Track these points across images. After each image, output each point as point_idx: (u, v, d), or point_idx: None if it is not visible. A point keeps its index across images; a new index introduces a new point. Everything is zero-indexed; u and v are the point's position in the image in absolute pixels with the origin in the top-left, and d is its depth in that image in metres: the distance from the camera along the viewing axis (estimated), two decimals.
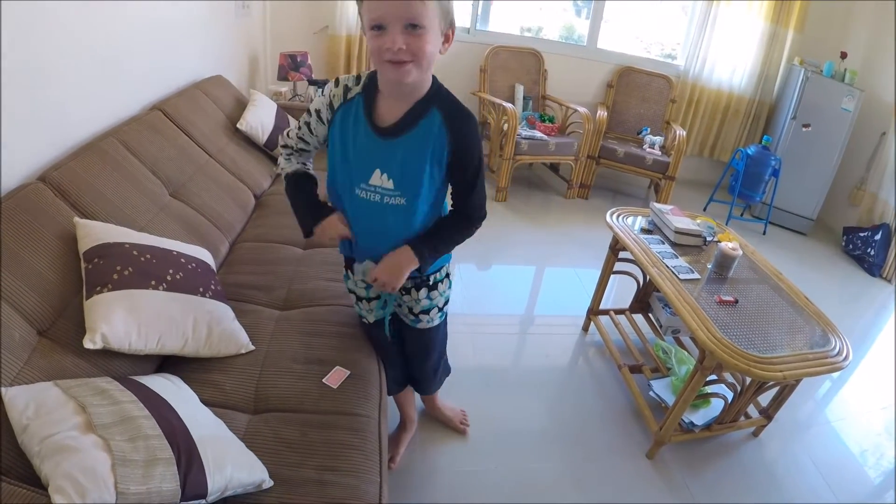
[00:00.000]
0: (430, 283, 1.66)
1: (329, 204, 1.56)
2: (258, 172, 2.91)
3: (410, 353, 1.90)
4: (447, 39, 1.28)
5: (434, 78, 1.37)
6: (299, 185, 1.57)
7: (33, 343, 1.38)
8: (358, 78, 1.40)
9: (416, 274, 1.56)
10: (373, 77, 1.37)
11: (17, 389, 1.21)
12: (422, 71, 1.27)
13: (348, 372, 1.69)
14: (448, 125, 1.35)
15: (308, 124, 1.48)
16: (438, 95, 1.36)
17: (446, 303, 1.76)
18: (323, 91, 1.43)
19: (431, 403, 2.24)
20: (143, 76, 2.50)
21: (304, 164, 1.60)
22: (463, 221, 1.53)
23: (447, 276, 1.71)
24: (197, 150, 2.56)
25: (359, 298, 1.77)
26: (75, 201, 1.74)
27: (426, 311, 1.72)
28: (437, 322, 1.77)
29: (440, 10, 1.21)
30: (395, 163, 1.37)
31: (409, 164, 1.37)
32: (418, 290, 1.66)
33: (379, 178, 1.39)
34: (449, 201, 1.57)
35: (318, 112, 1.44)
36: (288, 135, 1.56)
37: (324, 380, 1.64)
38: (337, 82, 1.41)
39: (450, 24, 1.26)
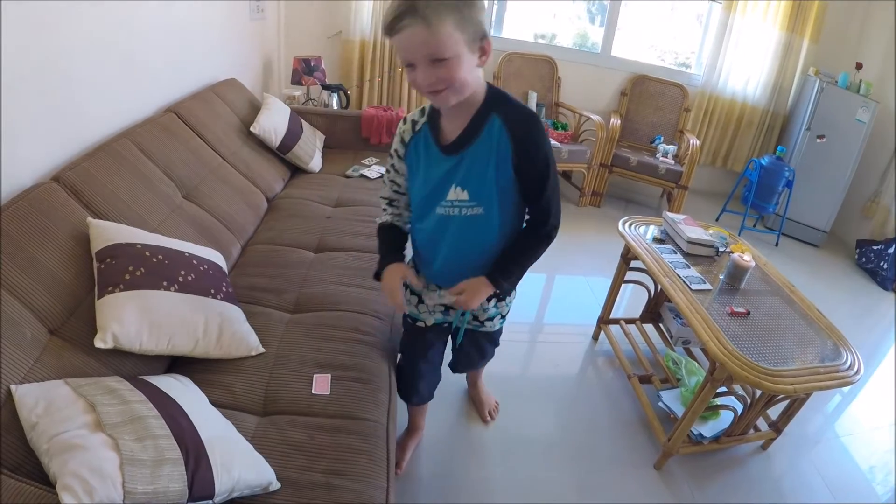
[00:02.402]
0: (501, 296, 1.74)
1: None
2: (270, 176, 2.93)
3: (468, 350, 1.97)
4: (483, 52, 1.28)
5: (489, 85, 1.40)
6: (383, 235, 1.65)
7: (44, 341, 1.39)
8: (423, 111, 1.48)
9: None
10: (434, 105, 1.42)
11: (28, 387, 1.22)
12: (460, 92, 1.29)
13: (329, 375, 1.68)
14: (508, 128, 1.36)
15: (393, 166, 1.56)
16: (496, 101, 1.38)
17: (507, 311, 1.85)
18: (395, 130, 1.50)
19: (474, 379, 2.37)
20: (157, 78, 2.52)
21: (400, 215, 1.65)
22: (534, 235, 1.53)
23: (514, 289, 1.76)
24: (210, 152, 2.58)
25: (422, 301, 1.76)
26: (88, 201, 1.76)
27: (491, 319, 1.81)
28: (498, 327, 1.88)
29: (465, 35, 1.20)
30: (465, 174, 1.41)
31: (478, 172, 1.39)
32: (488, 300, 1.70)
33: (454, 192, 1.43)
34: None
35: (395, 152, 1.52)
36: (383, 183, 1.64)
37: (313, 391, 1.63)
38: (405, 120, 1.50)
39: (481, 39, 1.25)
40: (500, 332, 1.98)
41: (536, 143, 1.37)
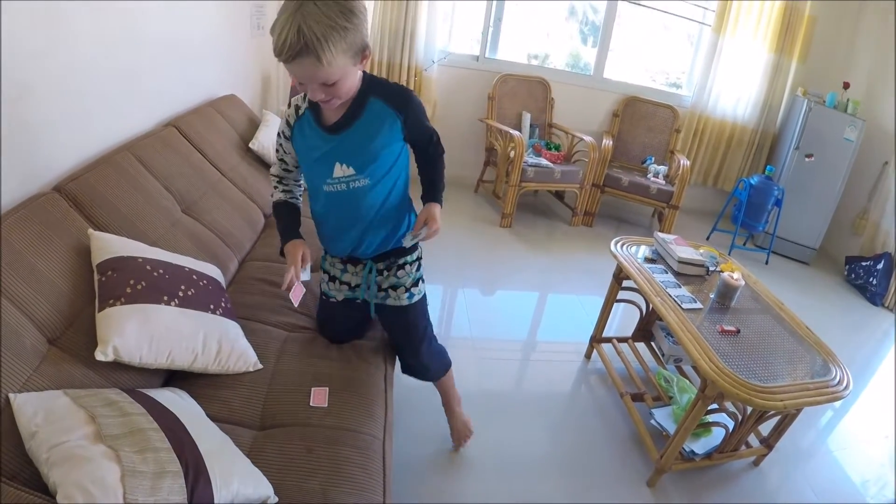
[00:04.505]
0: (400, 263, 1.82)
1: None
2: (269, 192, 2.92)
3: (397, 337, 1.98)
4: (364, 58, 1.43)
5: (364, 73, 1.53)
6: (279, 212, 1.81)
7: (43, 351, 1.39)
8: (304, 96, 1.58)
9: (388, 251, 1.78)
10: None
11: (27, 396, 1.22)
12: (345, 98, 1.48)
13: (326, 388, 1.70)
14: (390, 105, 1.55)
15: (281, 146, 1.71)
16: (370, 87, 1.54)
17: (415, 284, 1.86)
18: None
19: (448, 400, 2.23)
20: (158, 93, 2.54)
21: (291, 191, 1.82)
22: (434, 157, 1.76)
23: (417, 259, 1.86)
24: (209, 167, 2.59)
25: (331, 279, 1.89)
26: (89, 213, 1.77)
27: (394, 288, 1.83)
28: (404, 302, 1.85)
29: (350, 54, 1.36)
30: (350, 151, 1.56)
31: (363, 147, 1.55)
32: (388, 270, 1.81)
33: (340, 170, 1.58)
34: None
35: (282, 133, 1.68)
36: (274, 162, 1.79)
37: (311, 403, 1.64)
38: (289, 104, 1.64)
39: (363, 50, 1.40)
40: (421, 315, 1.94)
41: (418, 109, 1.60)
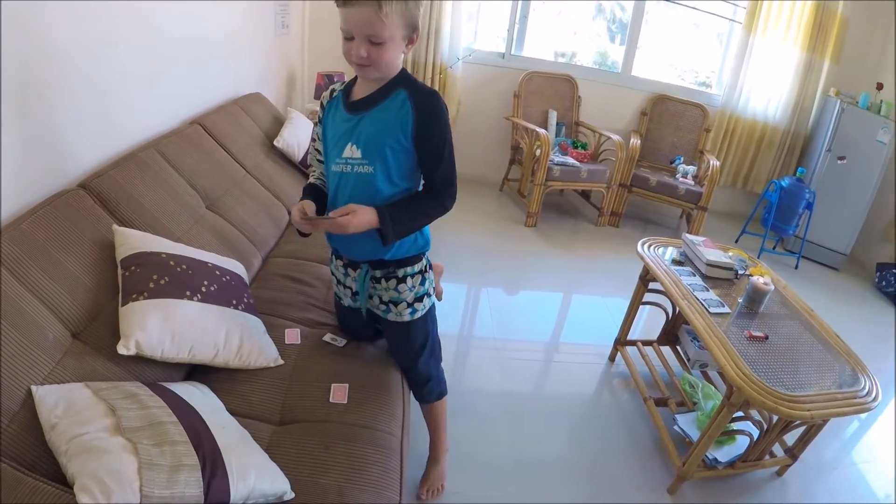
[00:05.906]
0: (399, 276, 1.68)
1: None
2: (293, 189, 2.95)
3: (393, 347, 1.91)
4: (411, 42, 1.45)
5: (403, 68, 1.53)
6: (305, 191, 1.72)
7: (66, 344, 1.41)
8: (344, 83, 1.62)
9: (387, 259, 1.65)
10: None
11: (48, 388, 1.24)
12: (383, 71, 1.46)
13: (346, 384, 1.70)
14: (412, 100, 1.48)
15: (317, 133, 1.69)
16: (406, 79, 1.52)
17: (418, 300, 1.73)
18: None
19: (436, 438, 2.05)
20: (183, 91, 2.57)
21: (322, 180, 1.75)
22: (430, 195, 1.60)
23: (420, 272, 1.72)
24: (234, 164, 2.61)
25: (338, 282, 1.83)
26: (114, 209, 1.79)
27: (395, 303, 1.71)
28: (406, 318, 1.74)
29: (402, 23, 1.38)
30: (363, 134, 1.51)
31: (375, 133, 1.50)
32: (387, 280, 1.68)
33: (350, 150, 1.52)
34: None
35: (318, 117, 1.66)
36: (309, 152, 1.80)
37: (330, 399, 1.65)
38: (328, 89, 1.65)
39: (413, 31, 1.43)
40: (422, 333, 1.81)
41: (437, 116, 1.50)
